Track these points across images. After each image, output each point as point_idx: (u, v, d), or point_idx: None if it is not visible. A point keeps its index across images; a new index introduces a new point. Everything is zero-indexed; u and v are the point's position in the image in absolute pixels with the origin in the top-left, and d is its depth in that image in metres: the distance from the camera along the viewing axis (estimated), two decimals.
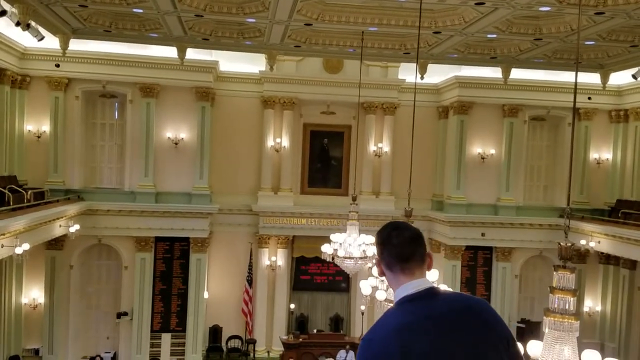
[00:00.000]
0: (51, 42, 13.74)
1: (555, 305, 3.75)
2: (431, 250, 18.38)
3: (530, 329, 16.83)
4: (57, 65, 15.35)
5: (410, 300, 2.20)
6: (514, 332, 17.29)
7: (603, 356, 3.84)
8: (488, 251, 17.58)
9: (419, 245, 2.31)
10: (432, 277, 7.26)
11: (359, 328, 17.14)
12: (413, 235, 2.31)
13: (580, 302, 16.79)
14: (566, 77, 16.03)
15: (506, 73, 14.69)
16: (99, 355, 14.80)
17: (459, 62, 15.35)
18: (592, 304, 17.67)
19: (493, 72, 15.91)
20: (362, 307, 16.54)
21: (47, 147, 15.69)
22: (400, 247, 2.29)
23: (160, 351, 16.23)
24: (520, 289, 18.01)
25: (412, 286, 2.23)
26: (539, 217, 17.32)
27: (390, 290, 7.21)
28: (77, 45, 14.23)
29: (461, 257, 17.38)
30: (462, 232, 17.07)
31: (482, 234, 17.11)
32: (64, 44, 13.00)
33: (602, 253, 16.68)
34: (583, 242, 15.52)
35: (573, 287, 3.77)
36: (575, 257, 16.54)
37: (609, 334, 17.10)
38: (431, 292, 2.23)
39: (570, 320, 3.59)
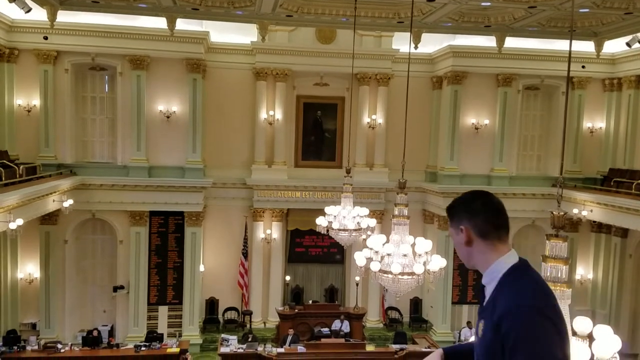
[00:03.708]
0: (39, 14, 13.48)
1: (548, 274, 3.77)
2: (424, 221, 18.49)
3: None
4: (46, 38, 15.10)
5: (527, 269, 2.26)
6: None
7: (594, 323, 3.88)
8: None
9: (507, 215, 2.34)
10: (427, 247, 7.31)
11: (353, 299, 17.33)
12: (502, 204, 2.34)
13: (572, 270, 17.01)
14: (560, 45, 15.94)
15: (500, 42, 14.57)
16: (96, 329, 14.90)
17: (453, 31, 15.20)
18: (583, 271, 17.91)
19: (487, 41, 15.78)
20: (357, 278, 16.72)
21: (37, 122, 15.53)
22: (496, 214, 2.30)
23: (157, 324, 16.37)
24: None
25: (514, 255, 2.27)
26: (532, 187, 17.41)
27: (385, 261, 7.26)
28: (65, 17, 13.98)
29: None
30: None
31: None
32: (52, 16, 12.75)
33: (594, 222, 16.84)
34: (575, 211, 15.65)
35: (565, 256, 3.79)
36: (568, 226, 16.69)
37: (600, 301, 17.37)
38: (528, 263, 2.30)
39: (562, 288, 3.62)
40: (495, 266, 2.26)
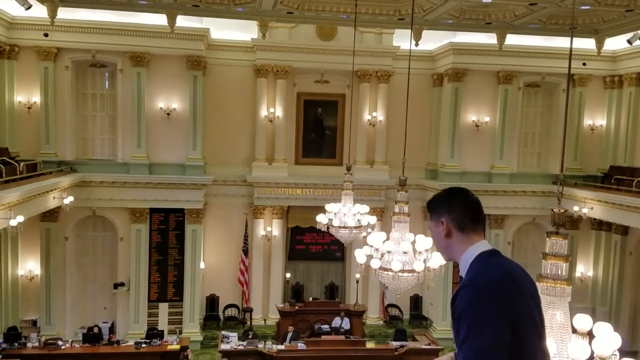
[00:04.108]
0: (39, 10, 13.47)
1: (548, 271, 3.77)
2: (425, 219, 18.48)
3: None
4: (46, 35, 15.08)
5: (489, 256, 2.41)
6: None
7: (594, 320, 3.88)
8: None
9: (482, 209, 2.56)
10: (427, 244, 7.30)
11: (353, 296, 17.35)
12: (479, 200, 2.56)
13: (572, 267, 17.02)
14: (561, 42, 15.91)
15: (501, 39, 14.55)
16: (96, 326, 14.93)
17: (453, 28, 15.17)
18: (584, 269, 17.91)
19: (488, 39, 15.75)
20: (357, 276, 16.73)
21: (38, 119, 15.53)
22: (473, 209, 2.51)
23: (158, 321, 16.39)
24: (513, 255, 18.17)
25: (485, 245, 2.45)
26: (533, 184, 17.39)
27: (386, 258, 7.26)
28: (65, 13, 13.97)
29: None
30: None
31: None
32: (52, 13, 12.75)
33: (595, 219, 16.83)
34: (576, 208, 15.64)
35: (565, 253, 3.79)
36: (568, 224, 16.69)
37: (601, 299, 17.38)
38: (498, 252, 2.47)
39: (562, 286, 3.62)
40: (466, 254, 2.45)
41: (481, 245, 2.44)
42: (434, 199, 2.60)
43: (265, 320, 17.77)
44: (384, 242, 7.39)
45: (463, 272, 2.44)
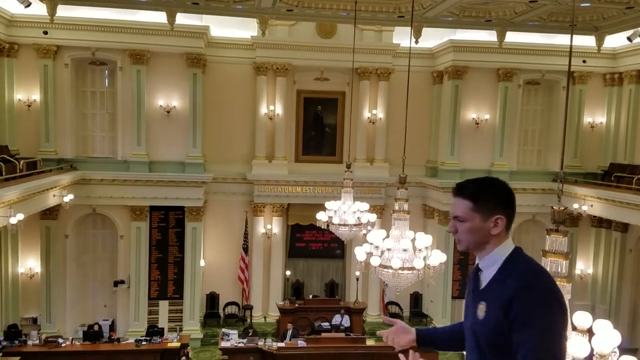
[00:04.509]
0: (38, 8, 13.45)
1: (548, 269, 3.77)
2: (424, 216, 18.50)
3: None
4: (45, 33, 15.06)
5: (522, 252, 2.41)
6: None
7: (594, 317, 3.89)
8: None
9: None
10: (427, 242, 7.31)
11: (353, 293, 17.36)
12: None
13: (572, 265, 17.03)
14: (561, 40, 15.90)
15: (501, 36, 14.53)
16: (97, 323, 14.94)
17: (453, 26, 15.16)
18: (583, 266, 17.93)
19: (488, 36, 15.73)
20: (357, 273, 16.75)
21: (38, 116, 15.52)
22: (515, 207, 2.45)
23: (158, 318, 16.40)
24: None
25: (511, 241, 2.42)
26: (533, 182, 17.40)
27: (385, 256, 7.26)
28: (65, 11, 13.94)
29: None
30: None
31: None
32: (52, 10, 12.71)
33: (595, 216, 16.83)
34: (576, 205, 15.64)
35: (565, 251, 3.79)
36: (568, 221, 16.70)
37: (600, 296, 17.39)
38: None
39: (562, 283, 3.63)
40: (499, 250, 2.37)
41: (510, 242, 2.40)
42: (485, 192, 2.39)
43: (265, 317, 17.79)
44: (383, 239, 7.40)
45: (489, 267, 2.38)
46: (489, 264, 2.38)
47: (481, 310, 2.32)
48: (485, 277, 2.39)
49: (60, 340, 13.79)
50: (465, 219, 2.40)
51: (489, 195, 2.39)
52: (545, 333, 2.11)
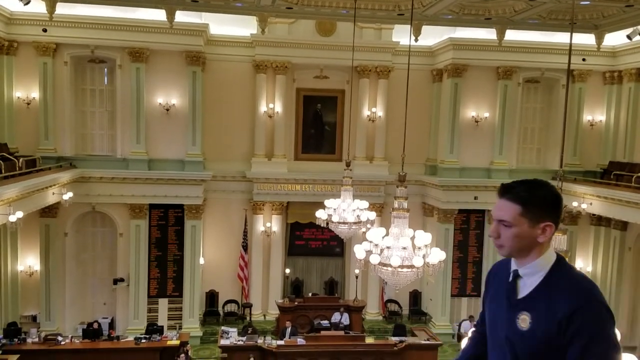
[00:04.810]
0: (38, 6, 13.42)
1: None
2: (424, 214, 18.51)
3: None
4: (45, 30, 15.04)
5: (565, 260, 2.31)
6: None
7: None
8: (480, 214, 17.72)
9: None
10: (426, 240, 7.31)
11: (353, 291, 17.37)
12: None
13: (571, 262, 16.93)
14: (561, 38, 15.89)
15: (501, 34, 14.51)
16: (96, 321, 14.94)
17: (453, 24, 15.15)
18: (583, 264, 17.92)
19: (487, 34, 15.72)
20: (356, 271, 16.75)
21: (37, 114, 15.50)
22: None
23: (157, 316, 16.41)
24: None
25: (553, 249, 2.30)
26: None
27: (385, 254, 7.27)
28: (64, 9, 13.93)
29: (454, 220, 17.53)
30: (455, 196, 17.15)
31: (475, 198, 17.21)
32: (51, 8, 12.68)
33: (594, 214, 16.83)
34: (575, 204, 15.64)
35: (565, 248, 3.80)
36: (567, 219, 16.71)
37: None
38: None
39: None
40: (543, 258, 2.24)
41: (552, 248, 2.28)
42: (536, 197, 2.22)
43: (264, 315, 17.80)
44: (383, 237, 7.40)
45: (532, 275, 2.24)
46: (532, 272, 2.24)
47: (524, 321, 2.19)
48: (526, 285, 2.25)
49: (60, 338, 13.79)
50: (512, 224, 2.23)
51: (539, 200, 2.22)
52: (608, 350, 2.07)
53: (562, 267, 2.23)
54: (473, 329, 2.84)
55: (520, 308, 2.22)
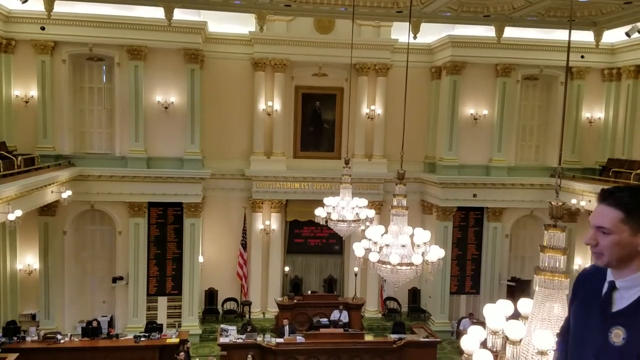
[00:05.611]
0: (36, 4, 13.41)
1: (546, 264, 3.77)
2: (423, 212, 18.51)
3: (521, 287, 17.14)
4: (43, 28, 15.01)
5: None
6: (504, 291, 17.64)
7: None
8: (479, 212, 17.73)
9: None
10: (425, 237, 7.31)
11: (352, 289, 17.39)
12: None
13: (570, 260, 17.05)
14: (559, 35, 15.89)
15: (499, 32, 14.51)
16: (95, 319, 14.94)
17: (452, 21, 15.12)
18: (581, 262, 17.95)
19: (486, 31, 15.72)
20: (355, 269, 16.77)
21: (35, 113, 15.48)
22: None
23: (157, 314, 16.42)
24: (511, 248, 18.25)
25: None
26: (531, 177, 17.41)
27: (384, 252, 7.27)
28: (62, 7, 13.90)
29: (453, 218, 17.54)
30: (453, 194, 17.16)
31: (474, 195, 17.22)
32: (49, 6, 12.66)
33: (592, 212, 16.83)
34: (574, 201, 15.66)
35: (563, 246, 3.79)
36: (566, 216, 16.71)
37: None
38: None
39: (560, 279, 3.62)
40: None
41: None
42: (639, 204, 2.09)
43: (264, 313, 17.80)
44: (382, 235, 7.40)
45: (631, 288, 2.10)
46: (631, 285, 2.09)
47: (617, 335, 2.05)
48: (623, 298, 2.11)
49: (59, 337, 13.79)
50: (612, 231, 2.11)
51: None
52: None
53: None
54: (556, 339, 2.63)
55: (615, 322, 2.09)
